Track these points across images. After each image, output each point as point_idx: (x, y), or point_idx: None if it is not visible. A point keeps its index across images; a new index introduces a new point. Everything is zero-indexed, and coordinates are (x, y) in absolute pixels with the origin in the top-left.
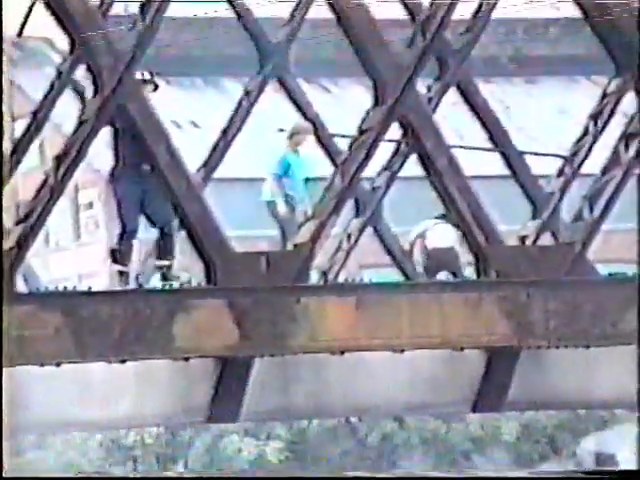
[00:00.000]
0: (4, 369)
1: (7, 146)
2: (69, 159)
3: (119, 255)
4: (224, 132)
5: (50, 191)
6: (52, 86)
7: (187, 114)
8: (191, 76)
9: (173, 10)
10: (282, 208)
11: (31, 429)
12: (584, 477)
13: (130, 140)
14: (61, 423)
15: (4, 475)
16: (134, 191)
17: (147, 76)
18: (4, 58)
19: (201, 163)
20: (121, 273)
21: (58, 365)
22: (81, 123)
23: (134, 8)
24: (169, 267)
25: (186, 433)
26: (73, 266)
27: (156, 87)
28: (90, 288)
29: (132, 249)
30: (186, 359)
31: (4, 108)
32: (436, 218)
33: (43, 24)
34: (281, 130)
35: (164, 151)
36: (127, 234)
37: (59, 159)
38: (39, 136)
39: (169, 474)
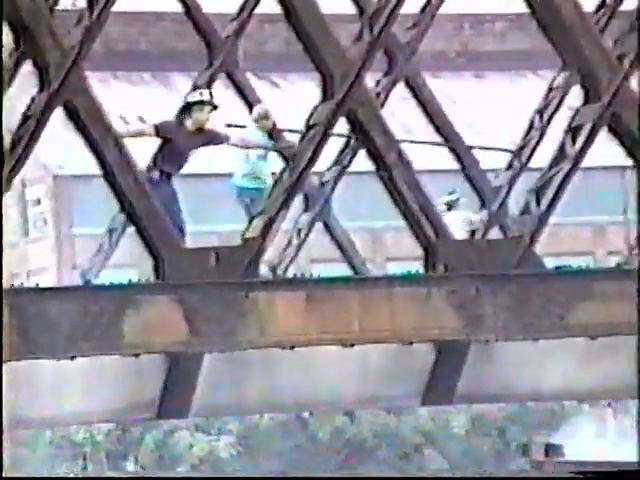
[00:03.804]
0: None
1: None
2: (15, 155)
3: None
4: None
5: None
6: None
7: (135, 109)
8: (139, 71)
9: (121, 4)
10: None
11: None
12: (584, 477)
13: (168, 150)
14: (10, 420)
15: (4, 475)
16: (171, 192)
17: (206, 96)
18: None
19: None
20: None
21: (6, 362)
22: (27, 118)
23: (82, 2)
24: None
25: (136, 429)
26: (22, 263)
27: (214, 107)
28: (38, 284)
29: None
30: (135, 355)
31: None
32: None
33: None
34: (229, 125)
35: (111, 147)
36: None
37: (5, 155)
38: None
39: (169, 474)
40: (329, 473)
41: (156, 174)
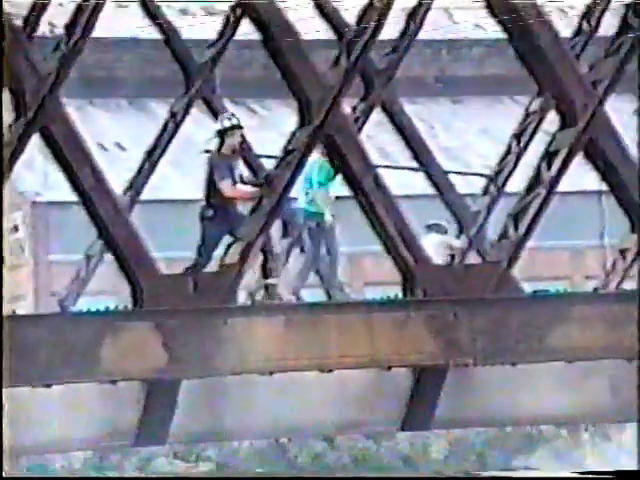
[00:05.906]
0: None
1: None
2: None
3: None
4: (150, 154)
5: None
6: None
7: (112, 136)
8: (116, 97)
9: (97, 31)
10: (329, 219)
11: None
12: (583, 477)
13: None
14: None
15: (4, 475)
16: (219, 232)
17: (236, 121)
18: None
19: (127, 185)
20: None
21: None
22: (3, 146)
23: (60, 30)
24: (274, 285)
25: (114, 457)
26: None
27: (240, 128)
28: (14, 312)
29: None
30: (113, 382)
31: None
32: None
33: None
34: (207, 151)
35: (89, 174)
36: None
37: None
38: None
39: (169, 474)
40: None
41: (211, 212)
